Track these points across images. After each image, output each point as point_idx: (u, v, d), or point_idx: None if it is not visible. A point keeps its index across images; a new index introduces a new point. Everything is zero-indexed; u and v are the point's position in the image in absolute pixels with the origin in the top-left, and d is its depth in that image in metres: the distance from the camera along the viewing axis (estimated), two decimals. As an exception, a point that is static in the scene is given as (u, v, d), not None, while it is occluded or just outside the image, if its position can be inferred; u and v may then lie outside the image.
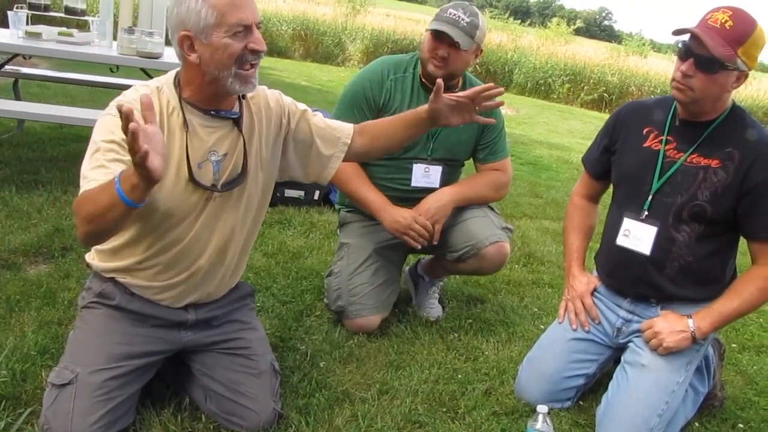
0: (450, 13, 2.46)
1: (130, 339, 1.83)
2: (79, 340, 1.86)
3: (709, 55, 1.88)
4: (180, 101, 1.75)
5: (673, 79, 2.00)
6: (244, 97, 1.85)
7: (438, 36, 2.45)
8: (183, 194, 1.75)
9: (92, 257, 1.93)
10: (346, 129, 2.02)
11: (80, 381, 1.71)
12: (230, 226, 1.87)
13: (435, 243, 2.59)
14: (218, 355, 1.93)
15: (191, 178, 1.74)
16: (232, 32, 1.64)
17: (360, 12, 18.71)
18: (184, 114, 1.74)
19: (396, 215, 2.54)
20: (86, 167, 1.62)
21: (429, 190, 2.64)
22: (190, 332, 1.93)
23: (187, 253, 1.83)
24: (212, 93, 1.74)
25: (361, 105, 2.56)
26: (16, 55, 4.25)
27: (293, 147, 1.98)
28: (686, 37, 1.95)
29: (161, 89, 1.76)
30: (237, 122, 1.82)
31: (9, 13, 3.92)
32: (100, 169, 1.58)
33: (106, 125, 1.65)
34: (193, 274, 1.86)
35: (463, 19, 2.44)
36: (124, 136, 1.37)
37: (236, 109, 1.83)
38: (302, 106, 2.00)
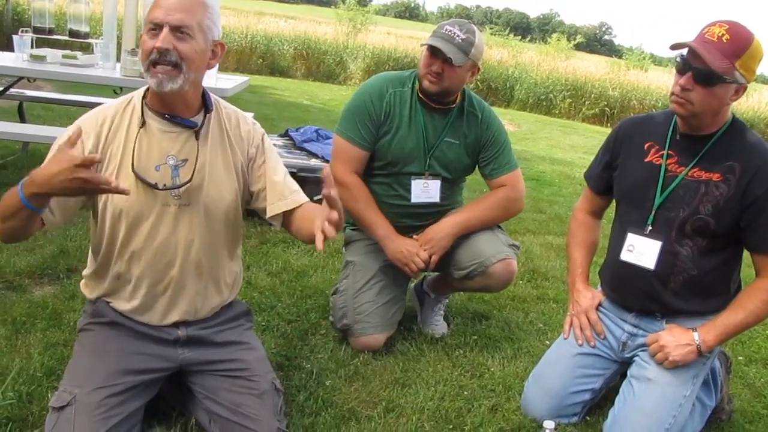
0: (446, 30, 2.48)
1: (126, 356, 1.85)
2: (75, 362, 1.88)
3: (707, 68, 1.90)
4: (142, 105, 1.84)
5: (672, 93, 2.02)
6: (209, 110, 1.89)
7: (433, 52, 2.48)
8: (133, 190, 1.80)
9: (84, 286, 2.01)
10: (298, 197, 2.02)
11: (79, 402, 1.71)
12: (199, 237, 1.89)
13: (430, 268, 2.65)
14: (218, 378, 1.93)
15: (133, 170, 1.80)
16: (147, 29, 1.73)
17: (361, 31, 18.90)
18: (143, 115, 1.83)
19: (400, 246, 2.58)
20: None
21: (429, 205, 2.66)
22: (186, 349, 1.93)
23: (155, 262, 1.86)
24: (157, 94, 1.81)
25: (363, 119, 2.57)
26: (21, 78, 4.29)
27: (253, 180, 2.01)
28: (684, 51, 1.97)
29: (132, 100, 1.86)
30: (197, 132, 1.87)
31: (14, 36, 3.97)
32: None
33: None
34: (168, 286, 1.89)
35: (458, 36, 2.46)
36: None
37: (197, 119, 1.88)
38: (267, 149, 2.02)
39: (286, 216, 2.01)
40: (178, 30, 1.72)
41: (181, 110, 1.85)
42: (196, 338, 1.95)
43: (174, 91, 1.76)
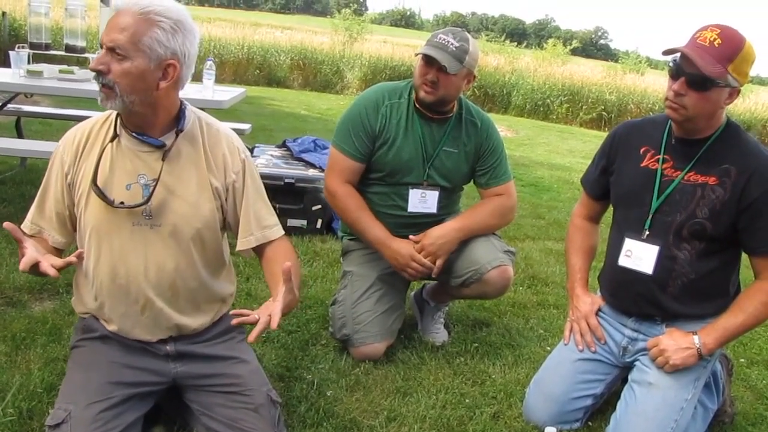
0: (440, 38, 2.49)
1: (118, 369, 1.85)
2: (69, 379, 1.87)
3: (700, 73, 1.90)
4: (116, 121, 1.84)
5: (666, 99, 2.02)
6: (181, 130, 1.85)
7: (428, 61, 2.49)
8: (95, 203, 1.81)
9: (74, 302, 2.01)
10: (268, 233, 1.98)
11: (74, 418, 1.70)
12: (172, 258, 1.86)
13: (434, 276, 2.63)
14: (213, 394, 1.91)
15: (95, 186, 1.79)
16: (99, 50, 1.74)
17: (357, 40, 18.98)
18: (116, 131, 1.83)
19: (396, 251, 2.57)
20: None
21: (426, 216, 2.66)
22: (177, 363, 1.93)
23: (128, 283, 1.84)
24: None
25: (358, 131, 2.58)
26: (18, 93, 4.30)
27: (229, 207, 1.96)
28: (677, 56, 1.98)
29: (110, 116, 1.86)
30: (166, 152, 1.83)
31: (11, 52, 3.97)
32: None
33: (50, 163, 1.88)
34: (145, 308, 1.87)
35: (452, 44, 2.46)
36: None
37: (166, 137, 1.83)
38: (248, 177, 1.96)
39: (255, 250, 1.98)
40: (113, 51, 1.69)
41: (148, 129, 1.82)
42: (186, 353, 1.94)
43: (120, 109, 1.75)
